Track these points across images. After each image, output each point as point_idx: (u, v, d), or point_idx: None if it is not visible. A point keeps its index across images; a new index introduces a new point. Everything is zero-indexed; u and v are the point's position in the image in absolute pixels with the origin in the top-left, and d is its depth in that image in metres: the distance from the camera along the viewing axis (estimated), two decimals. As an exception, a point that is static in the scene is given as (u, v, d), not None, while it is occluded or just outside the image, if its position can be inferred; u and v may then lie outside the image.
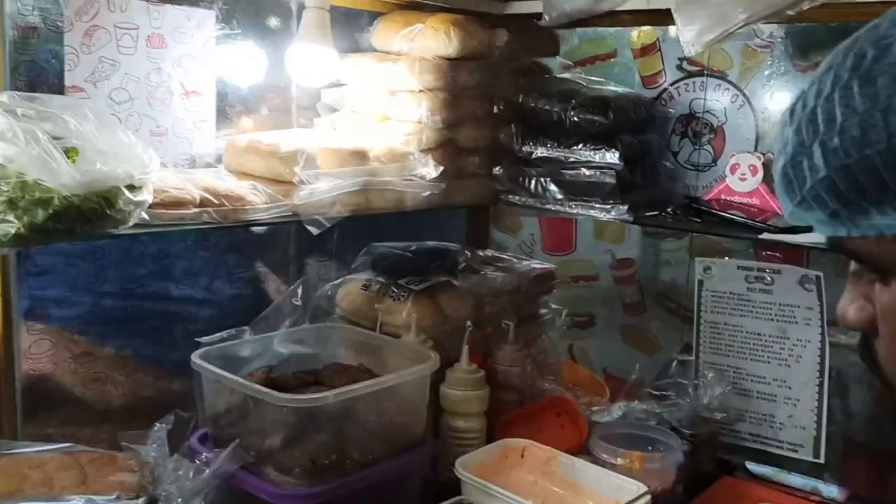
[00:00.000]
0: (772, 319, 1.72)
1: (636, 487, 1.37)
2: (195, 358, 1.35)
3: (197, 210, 1.26)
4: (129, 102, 1.44)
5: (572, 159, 1.67)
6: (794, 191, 0.60)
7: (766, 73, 1.75)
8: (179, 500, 1.10)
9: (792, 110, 0.60)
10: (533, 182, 1.72)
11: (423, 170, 1.53)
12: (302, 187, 1.37)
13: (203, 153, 1.52)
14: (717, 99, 1.81)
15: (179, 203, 1.24)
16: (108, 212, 1.09)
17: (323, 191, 1.38)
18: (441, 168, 1.56)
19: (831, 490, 1.65)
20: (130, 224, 1.16)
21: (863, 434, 1.70)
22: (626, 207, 1.62)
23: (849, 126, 0.54)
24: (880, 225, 0.55)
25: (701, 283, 1.79)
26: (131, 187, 1.12)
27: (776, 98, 1.75)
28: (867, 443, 1.69)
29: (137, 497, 1.08)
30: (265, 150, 1.44)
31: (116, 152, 1.10)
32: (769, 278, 1.71)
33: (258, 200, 1.32)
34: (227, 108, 1.58)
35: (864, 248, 0.59)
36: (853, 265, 0.64)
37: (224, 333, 1.50)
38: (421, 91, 1.61)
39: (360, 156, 1.48)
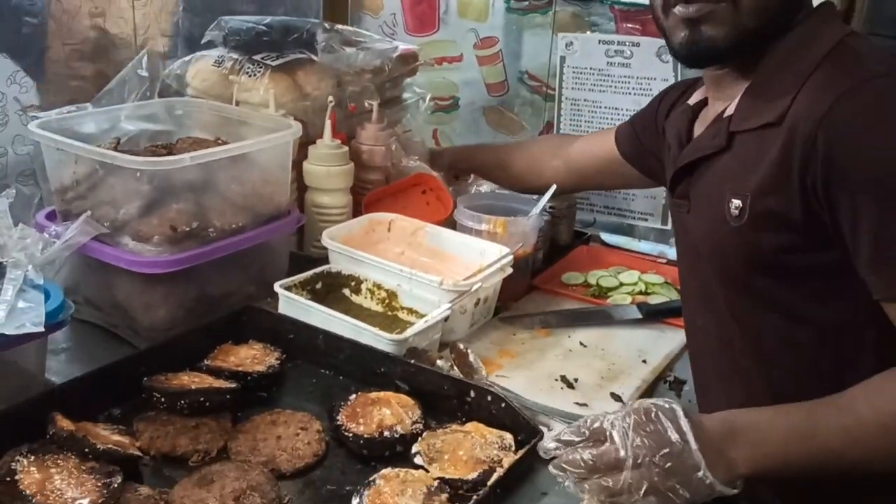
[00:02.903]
0: (629, 94, 1.76)
1: (499, 250, 1.42)
2: (33, 127, 1.24)
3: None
4: None
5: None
6: None
7: None
8: (29, 267, 1.04)
9: None
10: (393, -53, 1.63)
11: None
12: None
13: None
14: None
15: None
16: None
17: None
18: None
19: (675, 252, 1.77)
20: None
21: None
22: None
23: None
24: None
25: (563, 59, 1.80)
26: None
27: None
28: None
29: (-20, 261, 1.01)
30: None
31: None
32: (628, 52, 1.73)
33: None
34: None
35: None
36: None
37: (63, 108, 1.39)
38: None
39: None
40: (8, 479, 0.84)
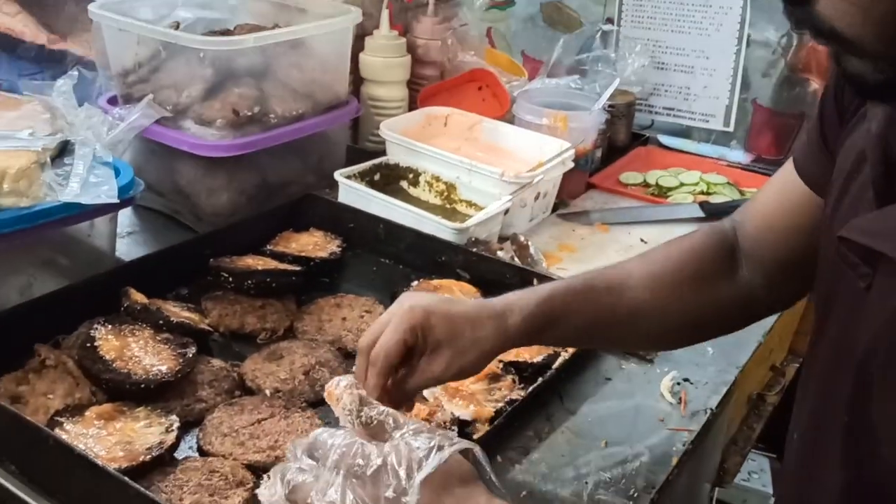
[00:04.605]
0: (696, -14, 1.69)
1: (559, 144, 1.39)
2: (93, 8, 1.22)
3: None
4: None
5: None
6: None
7: None
8: (97, 145, 1.04)
9: None
10: None
11: None
12: None
13: None
14: None
15: None
16: None
17: None
18: None
19: (737, 154, 1.73)
20: None
21: (769, 100, 1.74)
22: None
23: None
24: None
25: (627, -50, 1.72)
26: None
27: None
28: (772, 107, 1.73)
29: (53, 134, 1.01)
30: None
31: None
32: (697, -59, 1.65)
33: None
34: None
35: None
36: None
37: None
38: None
39: None
40: (88, 344, 0.86)
